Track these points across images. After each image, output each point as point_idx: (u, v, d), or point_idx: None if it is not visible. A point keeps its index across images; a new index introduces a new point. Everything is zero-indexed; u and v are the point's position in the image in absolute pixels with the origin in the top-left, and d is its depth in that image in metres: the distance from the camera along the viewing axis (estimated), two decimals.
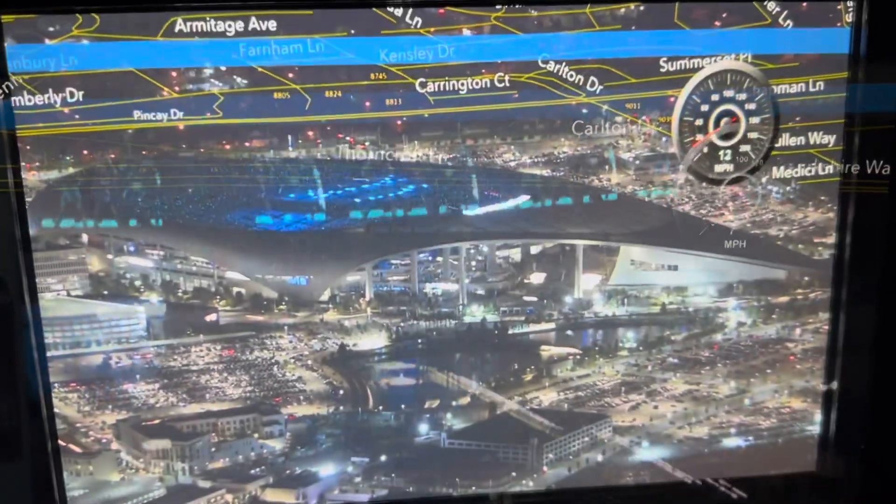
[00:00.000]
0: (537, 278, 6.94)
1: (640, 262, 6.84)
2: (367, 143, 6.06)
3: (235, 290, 6.47)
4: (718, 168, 5.73)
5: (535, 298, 6.87)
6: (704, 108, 5.62)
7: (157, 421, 6.38)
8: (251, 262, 6.33)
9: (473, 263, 6.97)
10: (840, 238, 5.49)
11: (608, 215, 6.66)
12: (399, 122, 5.61)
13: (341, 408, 6.66)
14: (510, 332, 6.82)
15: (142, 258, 6.35)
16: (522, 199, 6.60)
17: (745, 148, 5.56)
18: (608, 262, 6.86)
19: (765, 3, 5.35)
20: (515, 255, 7.02)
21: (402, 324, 6.69)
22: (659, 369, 6.84)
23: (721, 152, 5.58)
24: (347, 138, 5.94)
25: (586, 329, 6.93)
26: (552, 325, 6.87)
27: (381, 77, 5.19)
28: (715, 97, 5.52)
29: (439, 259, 6.84)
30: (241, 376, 6.50)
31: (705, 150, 5.44)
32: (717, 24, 5.36)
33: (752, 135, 5.59)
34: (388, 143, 6.11)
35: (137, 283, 6.31)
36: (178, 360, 6.34)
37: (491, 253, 6.90)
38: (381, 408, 6.71)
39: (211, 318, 6.37)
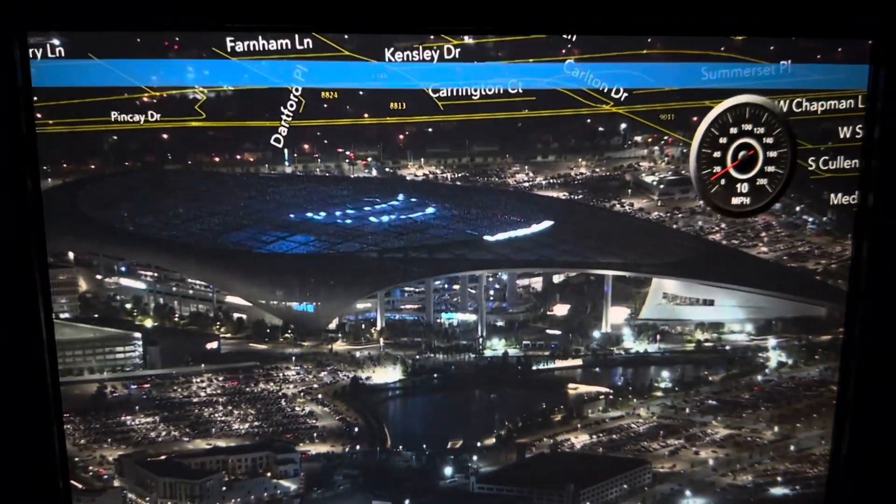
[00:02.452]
0: (561, 310, 6.41)
1: (672, 296, 6.30)
2: (368, 160, 5.34)
3: (236, 316, 6.08)
4: (735, 200, 4.81)
5: (559, 332, 6.35)
6: (722, 140, 4.77)
7: (163, 457, 5.76)
8: (254, 286, 5.81)
9: (491, 293, 6.44)
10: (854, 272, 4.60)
11: (639, 244, 6.15)
12: (402, 136, 4.91)
13: (357, 446, 6.06)
14: (534, 367, 6.25)
15: (134, 279, 5.76)
16: (545, 224, 5.87)
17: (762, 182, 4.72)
18: (637, 295, 6.35)
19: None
20: (536, 283, 6.49)
21: (417, 356, 6.14)
22: (697, 412, 6.28)
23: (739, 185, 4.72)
24: (347, 153, 5.23)
25: (616, 367, 6.37)
26: (579, 362, 6.31)
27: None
28: (733, 130, 4.74)
29: (455, 287, 6.35)
30: (248, 410, 5.95)
31: (723, 182, 4.66)
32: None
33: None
34: (391, 160, 5.48)
35: (129, 305, 5.72)
36: (179, 392, 5.84)
37: (511, 282, 6.42)
38: (400, 447, 6.10)
39: (212, 346, 5.82)
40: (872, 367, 4.69)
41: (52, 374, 4.44)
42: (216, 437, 5.79)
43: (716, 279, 6.12)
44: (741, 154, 4.54)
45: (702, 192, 4.56)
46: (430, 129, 5.11)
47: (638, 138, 5.64)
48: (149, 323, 5.72)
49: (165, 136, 4.58)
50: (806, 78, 4.75)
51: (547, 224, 6.06)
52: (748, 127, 4.59)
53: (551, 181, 5.93)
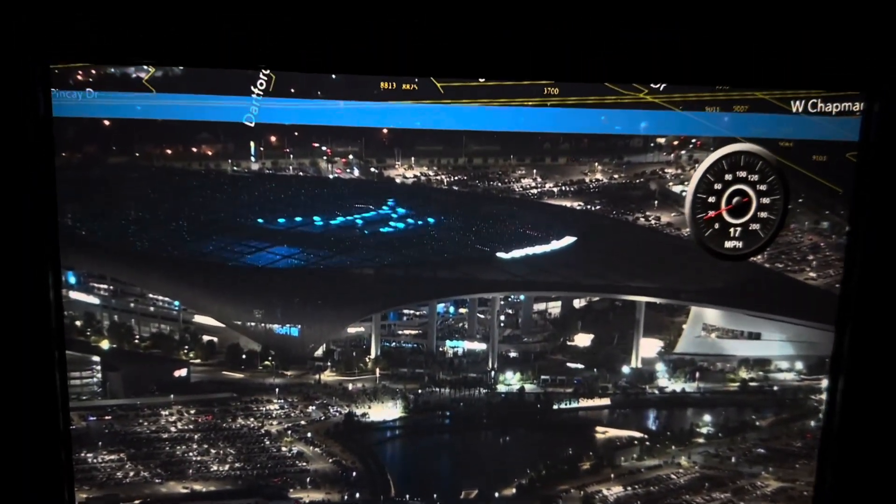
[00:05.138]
0: (583, 340, 5.65)
1: (712, 327, 5.57)
2: (349, 157, 4.68)
3: (206, 338, 5.44)
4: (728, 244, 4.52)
5: (581, 366, 5.57)
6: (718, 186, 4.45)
7: (136, 502, 4.93)
8: (228, 304, 5.18)
9: (502, 318, 5.70)
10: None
11: (675, 267, 5.33)
12: (386, 131, 4.10)
13: (357, 494, 5.27)
14: (555, 406, 5.46)
15: (85, 293, 5.08)
16: (567, 241, 5.39)
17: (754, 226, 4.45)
18: (672, 325, 5.59)
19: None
20: (554, 309, 5.74)
21: (419, 391, 5.38)
22: (745, 462, 5.48)
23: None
24: (324, 148, 4.42)
25: (650, 408, 5.60)
26: (607, 401, 5.51)
27: None
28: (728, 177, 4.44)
29: (462, 311, 5.62)
30: (226, 449, 5.18)
31: (716, 226, 4.42)
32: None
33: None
34: (375, 158, 4.96)
35: (79, 323, 4.95)
36: (146, 426, 5.11)
37: (526, 306, 5.73)
38: (407, 496, 5.26)
39: (180, 373, 5.12)
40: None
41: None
42: (193, 480, 5.08)
43: (762, 309, 5.40)
44: (735, 200, 4.31)
45: (696, 235, 4.24)
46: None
47: (661, 139, 4.95)
48: (104, 345, 4.94)
49: (107, 122, 3.78)
50: None
51: (569, 240, 5.41)
52: (743, 174, 4.30)
53: (563, 188, 5.28)
